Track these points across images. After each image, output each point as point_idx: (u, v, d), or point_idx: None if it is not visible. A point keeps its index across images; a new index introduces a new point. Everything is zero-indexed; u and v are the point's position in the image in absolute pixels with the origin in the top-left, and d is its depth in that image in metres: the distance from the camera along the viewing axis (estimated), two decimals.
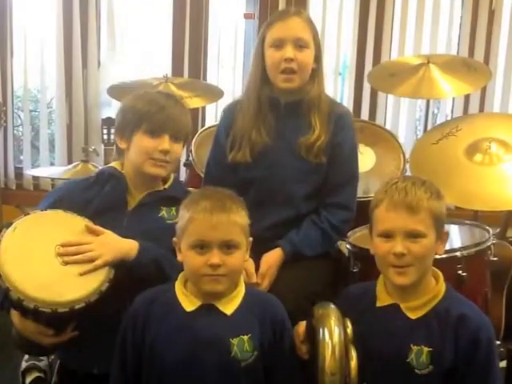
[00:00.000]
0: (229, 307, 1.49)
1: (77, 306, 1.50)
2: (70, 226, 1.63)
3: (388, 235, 1.51)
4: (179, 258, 1.52)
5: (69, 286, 1.52)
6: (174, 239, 1.54)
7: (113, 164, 1.85)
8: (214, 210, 1.45)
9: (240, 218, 1.49)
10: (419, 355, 1.49)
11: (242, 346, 1.46)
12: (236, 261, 1.47)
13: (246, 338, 1.47)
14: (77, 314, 1.52)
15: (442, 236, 1.56)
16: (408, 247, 1.48)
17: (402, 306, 1.54)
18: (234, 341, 1.46)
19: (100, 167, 2.01)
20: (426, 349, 1.48)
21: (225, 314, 1.48)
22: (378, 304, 1.59)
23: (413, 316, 1.53)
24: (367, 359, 1.47)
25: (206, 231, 1.44)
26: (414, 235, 1.49)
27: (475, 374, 1.47)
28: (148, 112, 1.73)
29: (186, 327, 1.47)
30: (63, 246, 1.58)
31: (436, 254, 1.56)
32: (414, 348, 1.49)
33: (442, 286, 1.56)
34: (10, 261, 1.49)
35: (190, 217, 1.46)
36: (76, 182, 1.90)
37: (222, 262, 1.44)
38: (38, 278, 1.50)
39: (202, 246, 1.45)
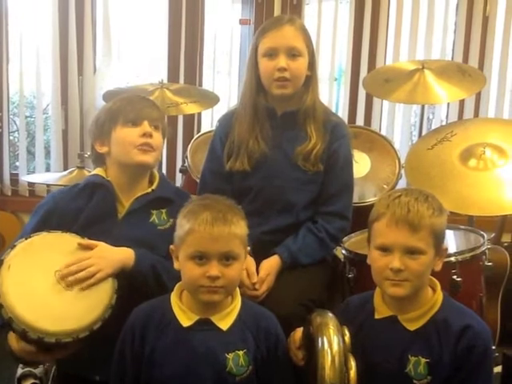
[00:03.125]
0: (224, 322, 1.49)
1: (95, 327, 1.51)
2: (61, 247, 1.60)
3: (386, 249, 1.50)
4: (176, 265, 1.52)
5: (82, 309, 1.52)
6: (172, 247, 1.53)
7: (96, 172, 1.82)
8: (214, 223, 1.43)
9: (240, 229, 1.48)
10: (417, 366, 1.49)
11: (237, 360, 1.47)
12: (234, 272, 1.47)
13: (241, 353, 1.48)
14: (94, 334, 1.52)
15: (441, 252, 1.55)
16: (406, 263, 1.47)
17: (400, 317, 1.54)
18: (230, 356, 1.47)
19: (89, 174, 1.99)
20: (423, 360, 1.49)
21: (221, 330, 1.48)
22: (377, 316, 1.58)
23: (411, 327, 1.52)
24: (367, 371, 1.46)
25: (206, 243, 1.43)
26: (412, 251, 1.47)
27: (465, 376, 1.47)
28: (120, 106, 1.75)
29: (183, 342, 1.47)
30: (63, 270, 1.56)
31: (434, 269, 1.54)
32: (412, 359, 1.50)
33: (439, 296, 1.55)
34: (18, 302, 1.46)
35: (189, 228, 1.45)
36: (61, 192, 1.86)
37: (221, 274, 1.43)
38: (50, 311, 1.48)
39: (201, 257, 1.44)
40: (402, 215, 1.47)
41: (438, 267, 1.55)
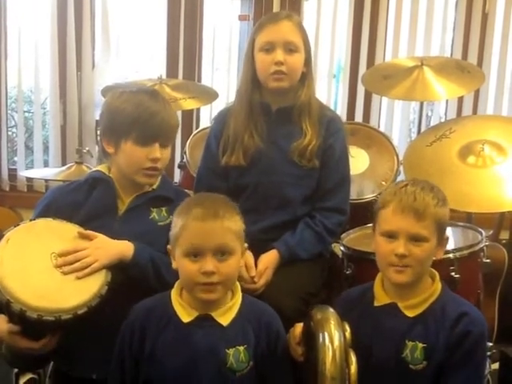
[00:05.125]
0: (225, 318, 1.49)
1: (79, 312, 1.50)
2: (62, 233, 1.63)
3: (391, 236, 1.54)
4: (174, 265, 1.51)
5: (69, 292, 1.53)
6: (169, 247, 1.53)
7: (99, 168, 1.83)
8: (206, 218, 1.43)
9: (234, 223, 1.47)
10: (414, 351, 1.53)
11: (237, 356, 1.47)
12: (230, 267, 1.45)
13: (241, 348, 1.47)
14: (77, 320, 1.51)
15: (443, 241, 1.60)
16: (410, 249, 1.52)
17: (400, 304, 1.57)
18: (230, 351, 1.46)
19: (91, 170, 2.00)
20: (420, 345, 1.52)
21: (221, 325, 1.48)
22: (376, 303, 1.62)
23: (410, 314, 1.56)
24: (365, 356, 1.49)
25: (198, 239, 1.43)
26: (416, 239, 1.52)
27: (458, 361, 1.51)
28: (138, 119, 1.69)
29: (184, 338, 1.47)
30: (60, 255, 1.57)
31: (435, 257, 1.59)
32: (409, 344, 1.53)
33: (437, 285, 1.60)
34: (8, 273, 1.48)
35: (182, 224, 1.45)
36: (60, 187, 1.88)
37: (216, 269, 1.42)
38: (37, 287, 1.50)
39: (195, 254, 1.43)
40: (408, 203, 1.52)
41: (440, 255, 1.61)
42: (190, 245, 1.44)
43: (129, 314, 1.53)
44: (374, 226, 1.63)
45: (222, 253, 1.44)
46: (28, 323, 1.49)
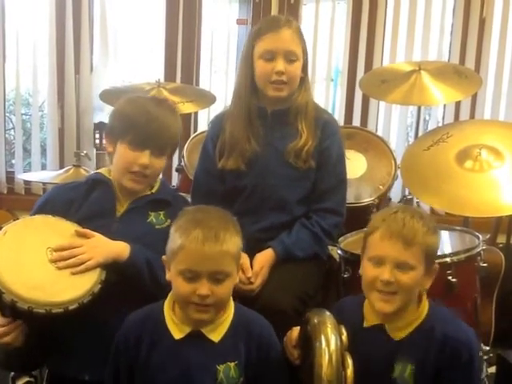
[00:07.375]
0: (216, 334, 1.48)
1: (70, 307, 1.51)
2: (59, 229, 1.65)
3: (378, 261, 1.51)
4: (167, 276, 1.50)
5: (62, 287, 1.54)
6: (164, 258, 1.52)
7: (100, 170, 1.85)
8: (206, 241, 1.40)
9: (233, 246, 1.45)
10: (403, 372, 1.51)
11: (228, 372, 1.46)
12: (225, 290, 1.45)
13: (232, 364, 1.47)
14: (68, 315, 1.52)
15: (431, 271, 1.56)
16: (396, 276, 1.49)
17: (387, 326, 1.55)
18: (221, 367, 1.46)
19: (92, 172, 2.02)
20: (409, 365, 1.50)
21: (212, 342, 1.47)
22: (365, 324, 1.60)
23: (399, 336, 1.54)
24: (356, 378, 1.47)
25: (196, 262, 1.41)
26: (403, 266, 1.49)
27: (451, 381, 1.49)
28: (135, 122, 1.71)
29: (175, 355, 1.47)
30: (55, 250, 1.59)
31: (422, 287, 1.55)
32: (399, 365, 1.51)
33: (424, 306, 1.56)
34: (2, 264, 1.50)
35: (181, 244, 1.42)
36: (60, 185, 1.91)
37: (211, 292, 1.41)
38: (30, 279, 1.51)
39: (191, 275, 1.42)
40: (396, 229, 1.49)
41: (427, 285, 1.56)
42: (187, 266, 1.42)
43: (122, 325, 1.53)
44: (362, 251, 1.60)
45: (218, 276, 1.43)
46: (19, 315, 1.50)
